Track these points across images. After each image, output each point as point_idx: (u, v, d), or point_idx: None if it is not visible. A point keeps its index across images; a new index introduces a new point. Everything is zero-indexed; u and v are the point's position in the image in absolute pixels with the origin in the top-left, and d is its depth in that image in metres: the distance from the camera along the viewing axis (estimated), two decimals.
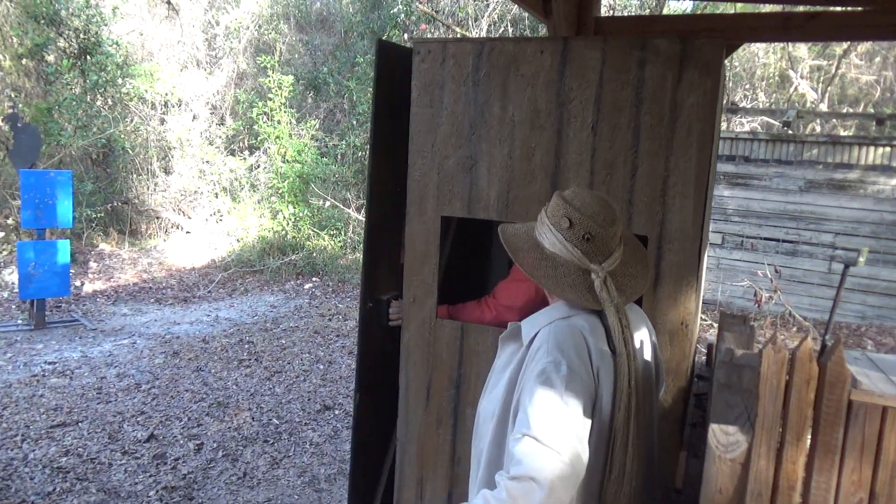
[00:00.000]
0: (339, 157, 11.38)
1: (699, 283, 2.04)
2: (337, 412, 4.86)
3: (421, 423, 2.35)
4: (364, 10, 12.74)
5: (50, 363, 5.66)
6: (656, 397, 1.60)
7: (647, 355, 1.54)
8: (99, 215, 10.25)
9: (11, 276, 7.84)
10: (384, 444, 2.71)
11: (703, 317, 7.75)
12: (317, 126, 11.41)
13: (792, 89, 13.21)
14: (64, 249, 6.84)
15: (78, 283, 8.39)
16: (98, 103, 10.63)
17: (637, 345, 1.46)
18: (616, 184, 2.05)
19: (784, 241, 8.41)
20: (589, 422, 1.32)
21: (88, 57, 10.17)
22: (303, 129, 11.04)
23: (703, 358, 3.67)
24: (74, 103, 9.92)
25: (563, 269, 1.43)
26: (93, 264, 9.38)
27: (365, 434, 2.57)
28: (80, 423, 4.42)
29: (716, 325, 7.40)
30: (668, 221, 1.98)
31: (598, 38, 2.03)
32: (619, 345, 1.37)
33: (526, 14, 11.21)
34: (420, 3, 11.25)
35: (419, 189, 2.27)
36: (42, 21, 9.67)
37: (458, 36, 10.58)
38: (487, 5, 11.47)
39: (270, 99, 10.56)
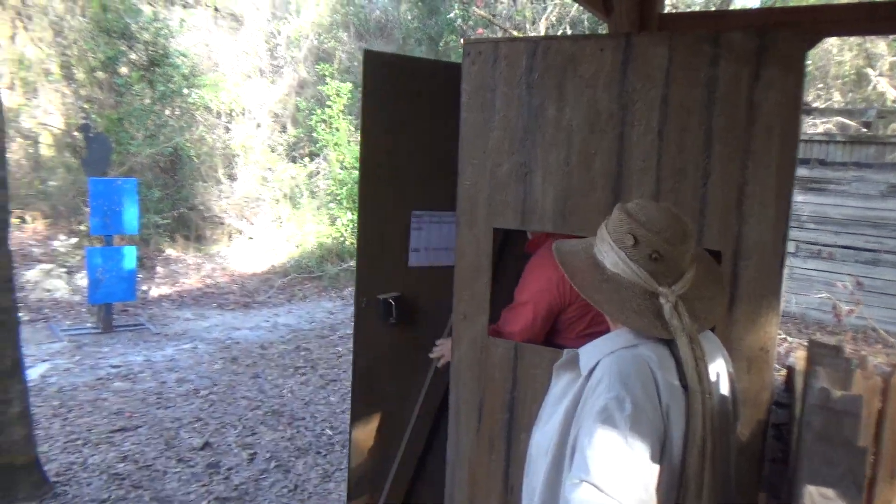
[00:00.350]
0: None
1: (780, 303, 1.83)
2: None
3: (472, 446, 2.22)
4: (421, 17, 12.74)
5: (115, 367, 5.80)
6: (733, 435, 1.42)
7: (724, 389, 1.36)
8: (166, 221, 10.55)
9: (83, 280, 8.13)
10: (386, 455, 2.70)
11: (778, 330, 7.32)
12: None
13: (870, 88, 12.46)
14: (130, 255, 7.03)
15: (145, 288, 8.64)
16: (166, 113, 10.97)
17: (712, 378, 1.28)
18: (685, 193, 1.87)
19: (864, 249, 7.87)
20: (657, 467, 1.16)
21: (157, 68, 10.50)
22: None
23: (779, 375, 3.40)
24: (143, 113, 10.26)
25: (628, 292, 1.27)
26: (160, 269, 9.65)
27: (362, 442, 2.64)
28: (139, 429, 4.48)
29: (790, 339, 6.98)
30: (746, 235, 1.79)
31: (664, 34, 1.86)
32: (693, 380, 1.20)
33: (586, 16, 10.95)
34: (477, 7, 11.15)
35: (469, 199, 2.14)
36: (113, 35, 10.04)
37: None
38: (545, 7, 11.27)
39: (329, 106, 10.66)
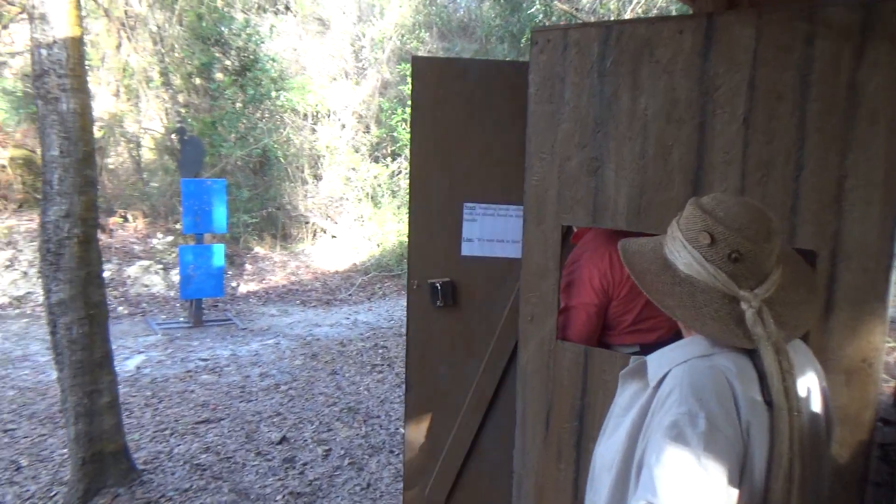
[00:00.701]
0: None
1: (886, 309, 1.63)
2: None
3: (539, 455, 2.12)
4: (503, 14, 12.63)
5: (203, 360, 6.05)
6: (826, 458, 1.25)
7: (815, 406, 1.20)
8: (255, 220, 10.96)
9: (177, 277, 8.55)
10: (438, 438, 2.75)
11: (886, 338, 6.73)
12: None
13: None
14: (219, 253, 7.32)
15: (234, 284, 8.99)
16: (256, 116, 11.40)
17: (802, 393, 1.14)
18: (774, 187, 1.69)
19: None
20: (735, 492, 1.03)
21: (248, 73, 10.93)
22: None
23: (887, 388, 3.10)
24: (235, 117, 10.69)
25: (704, 296, 1.14)
26: (248, 266, 10.02)
27: (416, 429, 2.75)
28: (222, 421, 4.63)
29: None
30: (845, 233, 1.60)
31: (750, 12, 1.69)
32: (779, 396, 1.06)
33: (673, 7, 10.52)
34: (559, 1, 10.93)
35: (537, 195, 2.04)
36: (208, 42, 10.53)
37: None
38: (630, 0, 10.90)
39: (410, 106, 10.74)
